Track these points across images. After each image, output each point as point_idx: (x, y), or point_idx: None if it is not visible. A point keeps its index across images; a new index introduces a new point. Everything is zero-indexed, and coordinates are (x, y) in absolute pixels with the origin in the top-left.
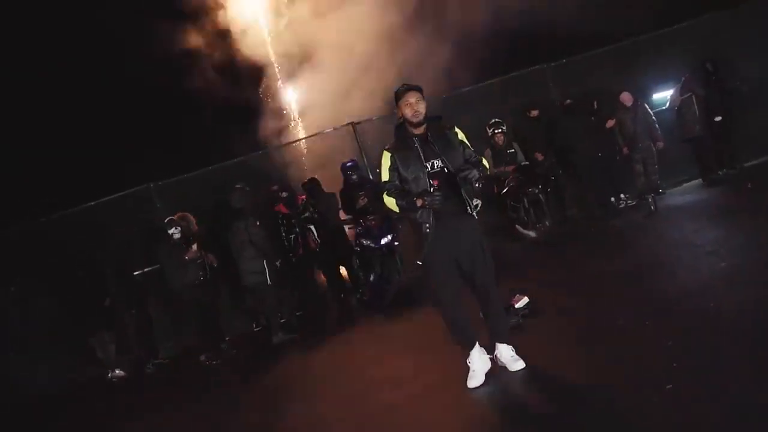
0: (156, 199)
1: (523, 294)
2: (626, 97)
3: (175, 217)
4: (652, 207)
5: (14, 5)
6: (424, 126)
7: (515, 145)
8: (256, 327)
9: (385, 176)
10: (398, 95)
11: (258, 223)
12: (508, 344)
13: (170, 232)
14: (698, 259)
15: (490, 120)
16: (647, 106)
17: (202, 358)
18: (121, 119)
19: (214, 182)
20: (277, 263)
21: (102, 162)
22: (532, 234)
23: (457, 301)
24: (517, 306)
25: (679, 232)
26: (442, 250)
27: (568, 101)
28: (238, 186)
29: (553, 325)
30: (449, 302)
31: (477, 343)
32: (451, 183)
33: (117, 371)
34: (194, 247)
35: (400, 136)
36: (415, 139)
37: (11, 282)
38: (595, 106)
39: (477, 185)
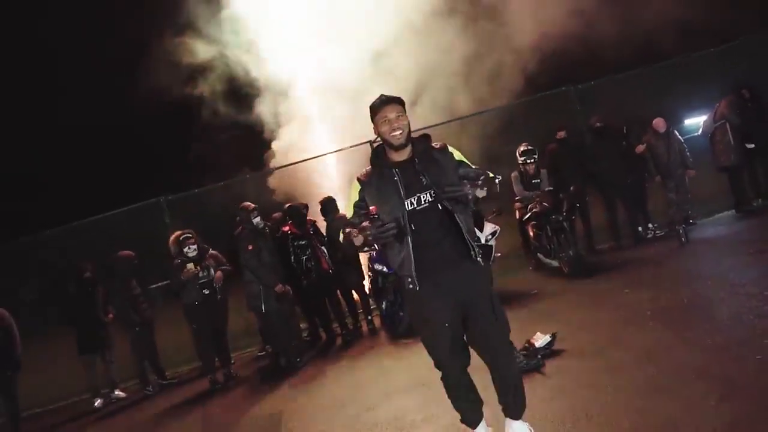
0: (166, 214)
1: (544, 332)
2: (659, 123)
3: (191, 234)
4: (684, 238)
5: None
6: (408, 149)
7: (543, 173)
8: (260, 352)
9: (349, 213)
10: (374, 110)
11: (250, 247)
12: (523, 422)
13: (185, 250)
14: (738, 301)
15: (520, 145)
16: (677, 133)
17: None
18: (139, 133)
19: (226, 198)
20: (276, 289)
21: (117, 175)
22: (554, 263)
23: (457, 365)
24: (537, 345)
25: (714, 268)
26: (436, 311)
27: (598, 124)
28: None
29: (576, 370)
30: (449, 370)
31: (483, 421)
32: (446, 222)
33: (117, 392)
34: (189, 266)
35: (376, 163)
36: (395, 170)
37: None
38: (625, 131)
39: (476, 195)
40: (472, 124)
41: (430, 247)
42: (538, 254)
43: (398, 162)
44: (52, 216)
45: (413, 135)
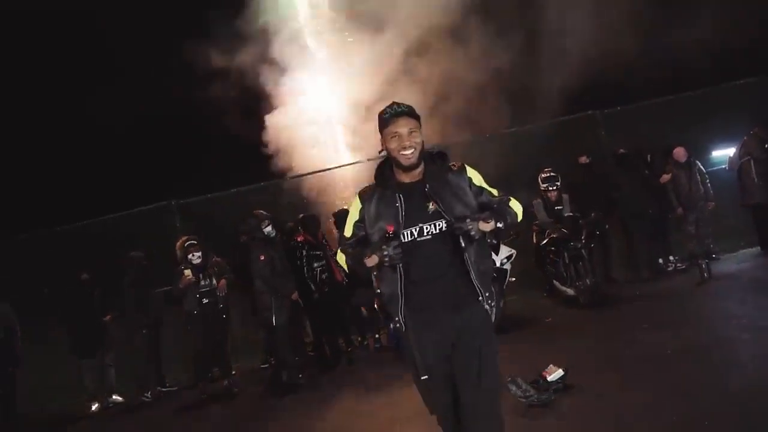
0: (177, 217)
1: (557, 365)
2: (680, 153)
3: (196, 241)
4: (706, 274)
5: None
6: (418, 170)
7: (565, 198)
8: (263, 364)
9: (347, 231)
10: (383, 121)
11: (262, 258)
12: None
13: (189, 257)
14: (764, 344)
15: (544, 169)
16: (700, 164)
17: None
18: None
19: (239, 205)
20: (292, 297)
21: (129, 176)
22: (570, 292)
23: (451, 418)
24: (549, 378)
25: (738, 307)
26: (425, 358)
27: (621, 151)
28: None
29: (591, 409)
30: (445, 425)
31: None
32: (452, 256)
33: (114, 396)
34: (187, 272)
35: (380, 182)
36: (398, 194)
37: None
38: (649, 159)
39: (480, 230)
40: (491, 144)
41: (427, 285)
42: (554, 281)
43: (405, 184)
44: (63, 212)
45: (427, 150)
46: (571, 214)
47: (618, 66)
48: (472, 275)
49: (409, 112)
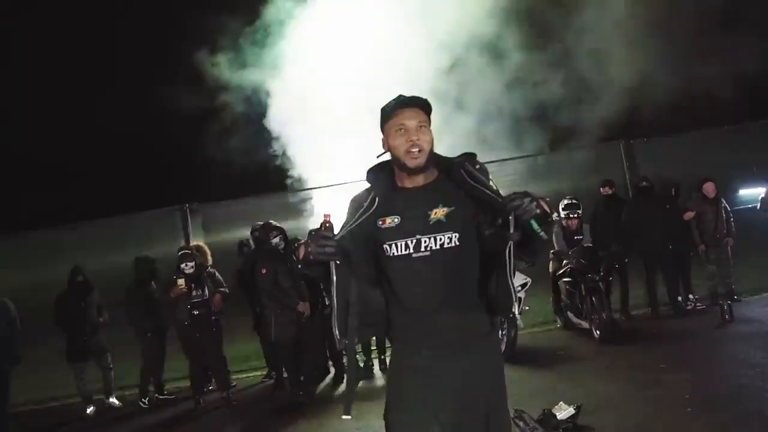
0: (189, 222)
1: (567, 402)
2: (710, 188)
3: (189, 251)
4: (727, 316)
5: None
6: (425, 175)
7: (585, 228)
8: (264, 378)
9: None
10: (386, 114)
11: (263, 271)
12: None
13: (181, 266)
14: None
15: (564, 198)
16: (725, 201)
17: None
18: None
19: (253, 215)
20: (298, 308)
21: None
22: (584, 324)
23: None
24: (558, 417)
25: (762, 354)
26: (419, 409)
27: (645, 183)
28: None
29: None
30: None
31: None
32: (452, 281)
33: (111, 399)
34: (180, 282)
35: (375, 186)
36: (399, 201)
37: None
38: (674, 193)
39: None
40: (510, 167)
41: (420, 317)
42: (569, 312)
43: (406, 189)
44: (73, 211)
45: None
46: (590, 244)
47: (650, 97)
48: (510, 286)
49: (420, 103)
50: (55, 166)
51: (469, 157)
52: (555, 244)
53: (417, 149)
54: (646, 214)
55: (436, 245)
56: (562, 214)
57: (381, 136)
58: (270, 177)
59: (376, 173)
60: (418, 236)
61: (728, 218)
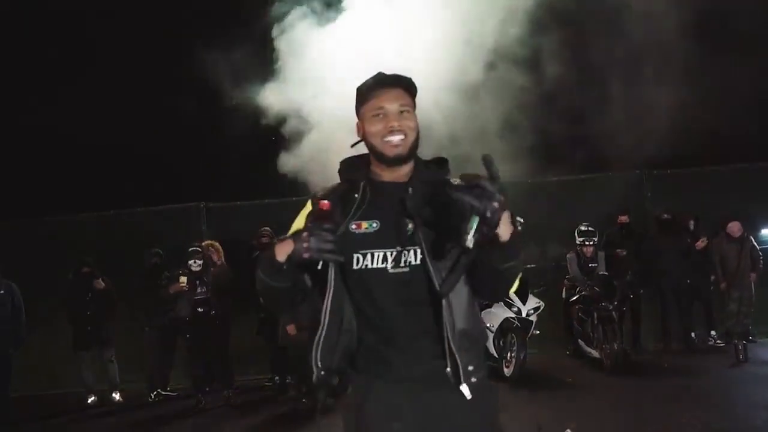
0: (204, 221)
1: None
2: (735, 228)
3: (199, 248)
4: (741, 356)
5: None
6: (406, 168)
7: (601, 255)
8: (267, 381)
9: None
10: (362, 94)
11: None
12: None
13: (189, 263)
14: None
15: (581, 224)
16: (753, 239)
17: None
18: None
19: (267, 217)
20: (287, 329)
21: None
22: (595, 354)
23: None
24: None
25: None
26: None
27: (666, 216)
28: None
29: None
30: None
31: None
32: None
33: (114, 395)
34: (182, 279)
35: (347, 178)
36: (378, 201)
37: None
38: (691, 227)
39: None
40: (524, 190)
41: (396, 347)
42: (579, 340)
43: (383, 183)
44: (93, 201)
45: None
46: (605, 273)
47: (675, 127)
48: (448, 340)
49: (404, 83)
50: (98, 148)
51: (443, 162)
52: (569, 270)
53: (398, 137)
54: (665, 247)
55: (416, 260)
56: (578, 240)
57: (356, 120)
58: (283, 179)
59: (348, 164)
60: (398, 248)
61: (757, 256)
